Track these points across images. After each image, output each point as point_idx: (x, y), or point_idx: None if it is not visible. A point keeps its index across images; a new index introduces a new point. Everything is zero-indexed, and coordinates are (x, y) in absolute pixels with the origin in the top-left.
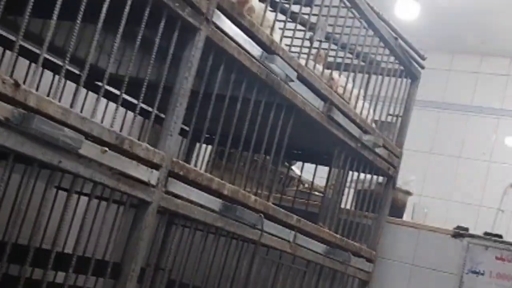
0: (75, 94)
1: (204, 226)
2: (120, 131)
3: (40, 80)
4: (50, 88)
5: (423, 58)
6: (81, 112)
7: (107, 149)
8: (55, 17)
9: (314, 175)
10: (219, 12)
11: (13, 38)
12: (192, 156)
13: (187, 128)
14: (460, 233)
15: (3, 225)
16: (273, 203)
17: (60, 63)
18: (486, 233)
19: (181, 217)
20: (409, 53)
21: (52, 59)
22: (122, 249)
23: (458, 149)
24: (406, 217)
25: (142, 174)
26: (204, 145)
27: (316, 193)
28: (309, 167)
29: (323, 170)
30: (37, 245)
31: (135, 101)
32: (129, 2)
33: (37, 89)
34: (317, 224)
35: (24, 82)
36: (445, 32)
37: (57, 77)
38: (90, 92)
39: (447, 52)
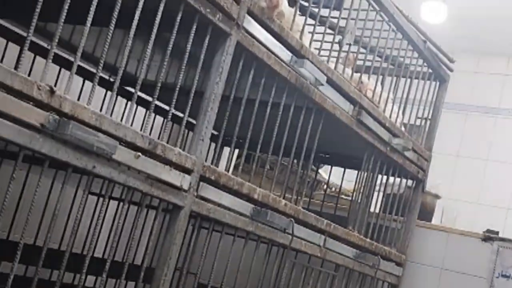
0: (108, 100)
1: (235, 230)
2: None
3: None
4: (80, 93)
5: (451, 61)
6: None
7: (140, 154)
8: (88, 24)
9: (342, 178)
10: (249, 17)
11: (43, 43)
12: (220, 160)
13: (216, 133)
14: (490, 236)
15: (34, 229)
16: (302, 207)
17: (89, 68)
18: None
19: (212, 221)
20: (438, 56)
21: (82, 64)
22: (153, 254)
23: (486, 152)
24: (435, 220)
25: (174, 178)
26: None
27: (344, 196)
28: (335, 170)
29: (350, 173)
30: (68, 249)
31: (163, 106)
32: (161, 9)
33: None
34: (346, 228)
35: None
36: (472, 34)
37: (87, 82)
38: (118, 97)
39: (474, 54)
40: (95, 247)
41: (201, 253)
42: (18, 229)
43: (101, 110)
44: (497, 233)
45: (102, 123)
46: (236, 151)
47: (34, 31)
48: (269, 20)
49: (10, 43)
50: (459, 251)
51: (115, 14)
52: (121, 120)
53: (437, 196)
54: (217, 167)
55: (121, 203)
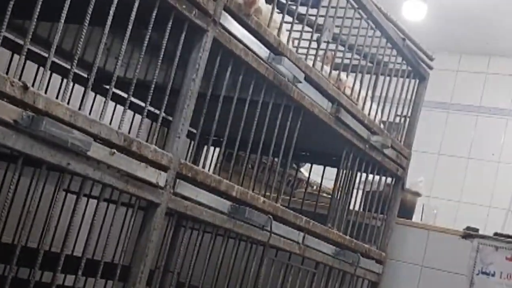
0: (83, 97)
1: (213, 228)
2: (128, 133)
3: (48, 83)
4: (58, 91)
5: (431, 59)
6: (89, 115)
7: (115, 151)
8: (62, 20)
9: (322, 176)
10: (226, 14)
11: (20, 41)
12: (200, 159)
13: (194, 131)
14: (470, 234)
15: (13, 228)
16: (281, 205)
17: (67, 66)
18: (496, 234)
19: (189, 218)
20: (417, 54)
21: (59, 62)
22: (130, 252)
23: (467, 150)
24: (415, 218)
25: (150, 176)
26: (211, 148)
27: (325, 194)
28: (317, 168)
29: (330, 172)
30: (46, 248)
31: (141, 103)
32: (136, 5)
33: (45, 92)
34: (326, 225)
35: (32, 85)
36: (453, 33)
37: (64, 80)
38: (96, 95)
39: (455, 52)
40: (74, 246)
41: (179, 251)
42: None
43: (80, 107)
44: (477, 230)
45: (76, 119)
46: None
47: (13, 29)
48: (246, 17)
49: None
50: (439, 248)
51: (90, 10)
52: (100, 118)
53: (417, 194)
54: (203, 166)
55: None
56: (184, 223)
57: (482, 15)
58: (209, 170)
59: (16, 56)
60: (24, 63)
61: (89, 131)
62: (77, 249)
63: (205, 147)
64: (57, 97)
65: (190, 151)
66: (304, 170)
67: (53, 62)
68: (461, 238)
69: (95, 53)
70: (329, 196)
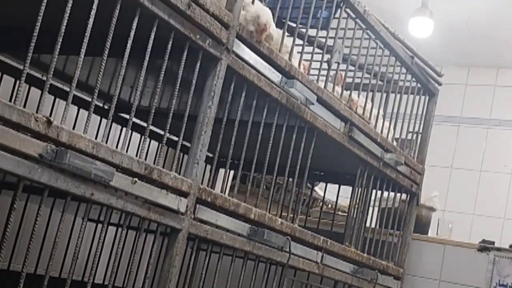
0: (104, 127)
1: (233, 251)
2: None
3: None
4: (75, 121)
5: (439, 75)
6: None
7: (137, 179)
8: (82, 55)
9: (337, 195)
10: (238, 41)
11: (36, 74)
12: (216, 182)
13: (210, 155)
14: (486, 246)
15: (35, 259)
16: (298, 225)
17: (83, 96)
18: None
19: (210, 242)
20: (426, 71)
21: (76, 93)
22: (153, 277)
23: (479, 163)
24: (430, 233)
25: (171, 202)
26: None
27: (340, 213)
28: (331, 187)
29: (344, 190)
30: (70, 276)
31: (157, 131)
32: (152, 37)
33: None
34: (343, 244)
35: (50, 116)
36: (460, 47)
37: (81, 110)
38: (113, 123)
39: (463, 66)
40: (95, 274)
41: (200, 275)
42: (18, 259)
43: (96, 137)
44: (493, 243)
45: (98, 150)
46: (232, 172)
47: (31, 63)
48: (258, 43)
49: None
50: (456, 262)
51: (108, 43)
52: (116, 146)
53: (432, 209)
54: (213, 188)
55: (119, 229)
56: (202, 247)
57: (488, 28)
58: (224, 193)
59: (32, 88)
60: (42, 97)
61: (111, 161)
62: (97, 277)
63: (221, 170)
64: (74, 127)
65: (205, 175)
66: (318, 189)
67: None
68: (477, 251)
69: (110, 82)
70: (345, 214)
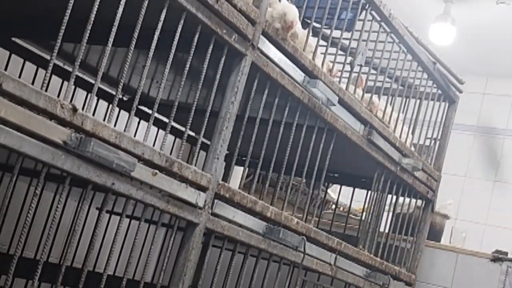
0: (125, 119)
1: (246, 248)
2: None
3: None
4: (94, 111)
5: (461, 82)
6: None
7: (157, 171)
8: (109, 45)
9: (351, 198)
10: (264, 38)
11: (58, 62)
12: (229, 179)
13: (227, 152)
14: (499, 257)
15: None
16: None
17: (103, 87)
18: None
19: (225, 238)
20: (447, 77)
21: (101, 86)
22: (169, 272)
23: (494, 172)
24: (444, 240)
25: (190, 196)
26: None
27: (352, 216)
28: (343, 190)
29: (357, 193)
30: (89, 268)
31: (175, 125)
32: (179, 30)
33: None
34: (357, 247)
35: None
36: (480, 55)
37: (100, 100)
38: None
39: (482, 75)
40: (107, 265)
41: (213, 271)
42: (31, 246)
43: (114, 127)
44: (506, 253)
45: (121, 141)
46: (246, 171)
47: (50, 50)
48: (283, 41)
49: (26, 62)
50: (468, 271)
51: (136, 35)
52: (134, 137)
53: (446, 216)
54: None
55: (132, 221)
56: (215, 243)
57: (509, 39)
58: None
59: (53, 76)
60: (72, 87)
61: (133, 152)
62: (114, 269)
63: (235, 168)
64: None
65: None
66: (331, 191)
67: (90, 83)
68: (490, 261)
69: (130, 74)
70: (357, 218)
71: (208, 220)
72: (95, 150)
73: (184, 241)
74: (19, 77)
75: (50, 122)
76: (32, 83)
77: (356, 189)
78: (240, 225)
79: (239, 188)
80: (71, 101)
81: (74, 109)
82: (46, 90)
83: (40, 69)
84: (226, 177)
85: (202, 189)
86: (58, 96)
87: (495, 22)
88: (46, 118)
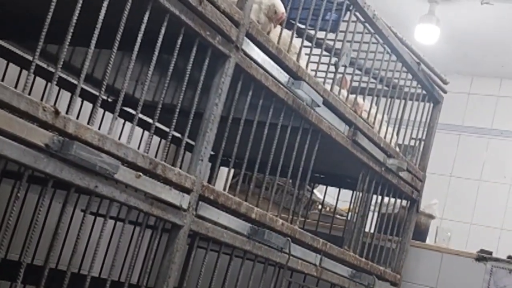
0: (108, 121)
1: (232, 249)
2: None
3: (72, 107)
4: (79, 113)
5: (445, 83)
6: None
7: (141, 174)
8: (92, 47)
9: (337, 198)
10: (248, 40)
11: (42, 64)
12: (215, 181)
13: (212, 153)
14: (483, 256)
15: (33, 249)
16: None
17: (87, 88)
18: (510, 257)
19: (210, 240)
20: (432, 78)
21: (86, 87)
22: (152, 274)
23: (479, 172)
24: (429, 240)
25: (174, 198)
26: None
27: (338, 216)
28: (329, 190)
29: (344, 193)
30: (73, 270)
31: (160, 126)
32: (162, 32)
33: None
34: (342, 247)
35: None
36: (465, 55)
37: (85, 102)
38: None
39: (467, 75)
40: (91, 266)
41: (198, 273)
42: (15, 249)
43: (99, 129)
44: (490, 253)
45: (104, 143)
46: (232, 171)
47: (33, 51)
48: (267, 43)
49: (9, 63)
50: (453, 271)
51: (118, 36)
52: (119, 139)
53: (431, 216)
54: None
55: (117, 222)
56: (201, 244)
57: (493, 38)
58: (225, 191)
59: (37, 78)
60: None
61: (116, 154)
62: (99, 271)
63: (221, 168)
64: (77, 119)
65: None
66: (317, 191)
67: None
68: (475, 261)
69: (115, 75)
70: (343, 218)
71: (192, 222)
72: (77, 153)
73: (168, 243)
74: (3, 78)
75: (31, 125)
76: (16, 85)
77: (343, 189)
78: (225, 227)
79: (224, 188)
80: (55, 102)
81: (56, 112)
82: (30, 92)
83: (24, 71)
84: (211, 178)
85: (186, 191)
86: (43, 97)
87: (480, 22)
88: (28, 121)
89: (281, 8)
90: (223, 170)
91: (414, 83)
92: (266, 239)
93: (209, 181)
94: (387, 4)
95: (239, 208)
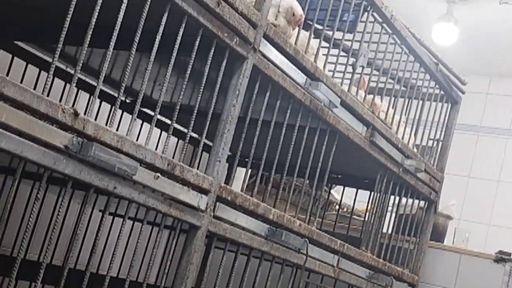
0: (127, 122)
1: (249, 250)
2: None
3: (92, 108)
4: (97, 114)
5: (463, 83)
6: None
7: (159, 175)
8: (111, 49)
9: (355, 199)
10: (265, 41)
11: (61, 65)
12: (232, 181)
13: (230, 153)
14: (502, 258)
15: (51, 249)
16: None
17: (106, 90)
18: None
19: (228, 241)
20: (450, 78)
21: (104, 88)
22: (172, 275)
23: (497, 173)
24: (447, 241)
25: (192, 199)
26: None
27: (356, 217)
28: (346, 191)
29: (360, 194)
30: (92, 270)
31: (178, 127)
32: (180, 33)
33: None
34: (359, 248)
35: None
36: (483, 56)
37: (103, 103)
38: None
39: (485, 75)
40: (110, 267)
41: (216, 274)
42: (34, 248)
43: (117, 130)
44: (509, 254)
45: (123, 144)
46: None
47: (52, 53)
48: (285, 44)
49: (28, 65)
50: (471, 272)
51: (137, 38)
52: (137, 140)
53: (449, 217)
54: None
55: (135, 223)
56: (218, 245)
57: None
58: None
59: (56, 79)
60: (71, 89)
61: (134, 155)
62: (117, 270)
63: (238, 169)
64: (95, 119)
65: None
66: (335, 192)
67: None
68: (493, 262)
69: (133, 76)
70: (361, 219)
71: (210, 223)
72: (96, 155)
73: (186, 244)
74: (22, 79)
75: (51, 127)
76: (35, 86)
77: (360, 190)
78: (242, 228)
79: (242, 189)
80: (73, 103)
81: (76, 114)
82: (48, 93)
83: (42, 72)
84: (229, 178)
85: (204, 192)
86: (61, 98)
87: (498, 22)
88: (47, 123)
89: (299, 10)
90: (241, 171)
91: (432, 84)
92: (284, 240)
93: (227, 182)
94: (405, 5)
95: (256, 209)
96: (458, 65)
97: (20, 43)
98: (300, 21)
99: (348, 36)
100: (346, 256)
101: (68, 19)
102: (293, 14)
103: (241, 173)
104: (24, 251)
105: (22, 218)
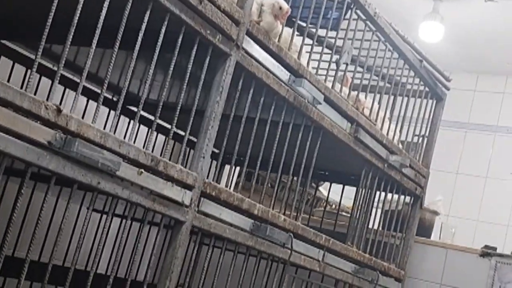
0: (112, 119)
1: (235, 246)
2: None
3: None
4: (84, 112)
5: (448, 80)
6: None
7: (143, 170)
8: (94, 46)
9: (341, 195)
10: (248, 38)
11: (48, 64)
12: (221, 178)
13: (216, 150)
14: (488, 252)
15: (40, 246)
16: (301, 224)
17: (92, 87)
18: None
19: (212, 236)
20: (434, 75)
21: (86, 84)
22: (155, 270)
23: (485, 169)
24: (433, 236)
25: (176, 194)
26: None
27: (343, 213)
28: (335, 187)
29: (348, 190)
30: (74, 266)
31: (163, 124)
32: (163, 31)
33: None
34: (346, 243)
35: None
36: (470, 53)
37: (90, 101)
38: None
39: (472, 72)
40: (98, 264)
41: (202, 269)
42: (23, 246)
43: (104, 128)
44: (495, 249)
45: (106, 140)
46: (237, 169)
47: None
48: (268, 41)
49: (15, 64)
50: (457, 266)
51: (119, 36)
52: (124, 138)
53: (435, 213)
54: (219, 184)
55: (123, 220)
56: (205, 241)
57: (499, 35)
58: (230, 189)
59: (43, 78)
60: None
61: (118, 151)
62: (100, 267)
63: (226, 166)
64: (82, 117)
65: (211, 171)
66: (323, 188)
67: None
68: (479, 257)
69: (119, 74)
70: (348, 215)
71: (194, 217)
72: (79, 150)
73: (171, 239)
74: (9, 78)
75: (35, 123)
76: (22, 84)
77: (347, 187)
78: (227, 223)
79: (228, 185)
80: (60, 102)
81: (59, 110)
82: (35, 91)
83: (29, 71)
84: (219, 175)
85: (188, 187)
86: (48, 96)
87: (484, 19)
88: (31, 119)
89: (284, 3)
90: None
91: (417, 80)
92: (269, 235)
93: (217, 180)
94: (391, 3)
95: (241, 204)
96: (446, 62)
97: (6, 42)
98: (287, 14)
99: (332, 33)
100: (331, 251)
101: (50, 17)
102: (280, 8)
103: (231, 171)
104: (12, 249)
105: (10, 216)
